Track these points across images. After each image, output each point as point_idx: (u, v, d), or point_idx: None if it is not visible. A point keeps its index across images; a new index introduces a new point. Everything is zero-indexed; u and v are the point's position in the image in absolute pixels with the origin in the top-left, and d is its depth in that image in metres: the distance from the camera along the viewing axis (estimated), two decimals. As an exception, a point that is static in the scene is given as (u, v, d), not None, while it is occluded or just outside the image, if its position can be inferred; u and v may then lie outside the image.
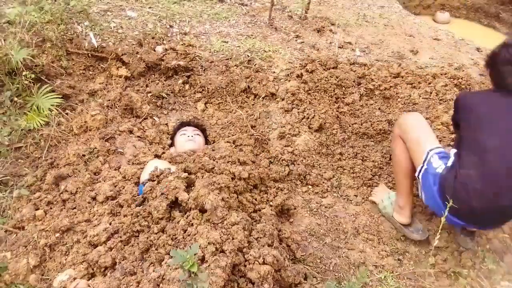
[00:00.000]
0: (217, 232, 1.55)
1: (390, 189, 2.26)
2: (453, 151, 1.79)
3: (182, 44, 2.88)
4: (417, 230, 2.02)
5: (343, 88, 2.79)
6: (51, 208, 1.93)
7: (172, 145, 2.46)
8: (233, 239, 1.55)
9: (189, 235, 1.59)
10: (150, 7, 3.16)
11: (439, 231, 1.62)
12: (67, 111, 2.39)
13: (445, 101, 2.75)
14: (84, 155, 2.16)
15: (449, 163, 1.74)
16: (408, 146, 1.89)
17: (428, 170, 1.77)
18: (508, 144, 1.61)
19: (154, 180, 1.86)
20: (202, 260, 1.46)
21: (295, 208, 2.14)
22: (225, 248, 1.50)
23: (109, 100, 2.48)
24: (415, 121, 1.92)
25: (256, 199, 2.00)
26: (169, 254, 1.54)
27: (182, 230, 1.61)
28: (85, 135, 2.28)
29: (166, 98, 2.69)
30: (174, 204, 1.76)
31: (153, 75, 2.76)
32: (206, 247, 1.48)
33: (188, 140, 2.34)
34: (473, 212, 1.67)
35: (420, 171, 1.82)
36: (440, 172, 1.73)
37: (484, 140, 1.64)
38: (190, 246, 1.49)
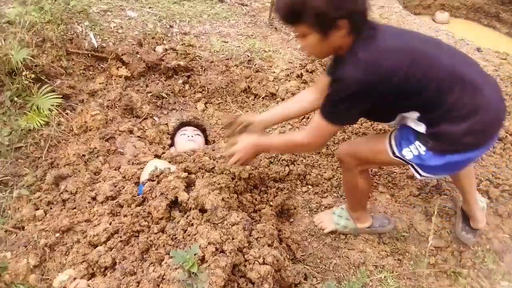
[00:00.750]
0: (217, 232, 1.55)
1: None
2: (412, 121, 1.46)
3: (182, 44, 2.88)
4: (383, 223, 2.00)
5: (343, 88, 2.79)
6: (51, 208, 1.93)
7: (172, 145, 2.46)
8: (233, 239, 1.55)
9: (189, 235, 1.59)
10: (150, 7, 3.16)
11: (432, 231, 1.62)
12: (67, 111, 2.39)
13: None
14: (84, 155, 2.16)
15: (421, 130, 1.43)
16: (379, 164, 1.77)
17: (421, 163, 1.48)
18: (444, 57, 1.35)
19: (154, 180, 1.86)
20: (202, 260, 1.46)
21: (295, 208, 2.14)
22: (225, 248, 1.50)
23: (109, 100, 2.48)
24: (356, 146, 1.70)
25: (256, 199, 2.00)
26: (169, 254, 1.54)
27: (182, 230, 1.61)
28: (85, 135, 2.28)
29: (166, 98, 2.69)
30: (174, 204, 1.76)
31: (153, 75, 2.76)
32: (206, 247, 1.48)
33: (188, 140, 2.34)
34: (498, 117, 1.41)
35: (416, 172, 1.54)
36: (427, 149, 1.43)
37: (433, 84, 1.33)
38: (190, 246, 1.49)
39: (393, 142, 1.54)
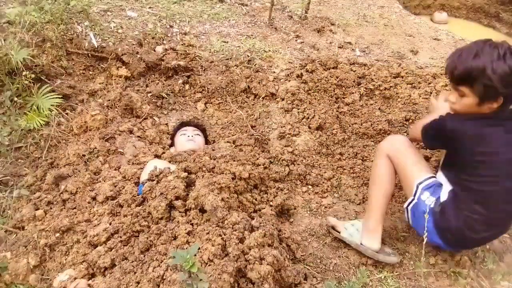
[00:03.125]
0: (217, 232, 1.55)
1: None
2: (446, 186, 1.69)
3: (182, 44, 2.88)
4: (389, 254, 1.87)
5: (343, 88, 2.79)
6: (51, 208, 1.93)
7: (172, 145, 2.46)
8: (233, 239, 1.55)
9: (189, 235, 1.59)
10: (150, 7, 3.16)
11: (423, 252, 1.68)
12: (67, 111, 2.39)
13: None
14: (84, 155, 2.16)
15: (443, 197, 1.67)
16: (398, 172, 1.83)
17: (419, 207, 1.72)
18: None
19: (153, 180, 1.86)
20: (205, 262, 1.46)
21: (295, 208, 2.14)
22: (226, 249, 1.49)
23: (109, 100, 2.48)
24: (406, 146, 1.82)
25: (256, 199, 2.00)
26: (167, 255, 1.54)
27: (182, 230, 1.61)
28: (85, 135, 2.28)
29: (166, 98, 2.69)
30: (175, 203, 1.76)
31: (153, 75, 2.76)
32: (206, 248, 1.48)
33: (188, 140, 2.34)
34: (471, 243, 1.75)
35: (409, 203, 1.77)
36: (433, 207, 1.67)
37: (484, 181, 1.56)
38: (190, 245, 1.49)
39: (427, 181, 1.74)
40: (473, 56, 1.47)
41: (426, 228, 1.62)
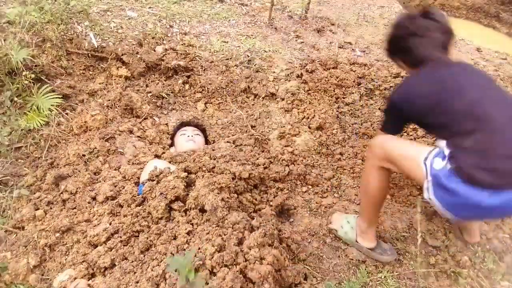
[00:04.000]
0: (217, 232, 1.55)
1: (346, 212, 2.07)
2: (442, 143, 1.47)
3: (182, 44, 2.88)
4: (384, 251, 1.88)
5: (343, 88, 2.79)
6: (51, 208, 1.93)
7: (172, 145, 2.46)
8: (233, 239, 1.54)
9: (189, 235, 1.59)
10: (150, 7, 3.16)
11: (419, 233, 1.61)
12: (67, 111, 2.39)
13: (445, 101, 2.75)
14: (84, 155, 2.16)
15: (446, 152, 1.43)
16: (401, 170, 1.60)
17: (438, 179, 1.40)
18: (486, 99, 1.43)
19: (153, 180, 1.86)
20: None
21: (295, 208, 2.14)
22: (226, 249, 1.49)
23: (109, 100, 2.48)
24: (392, 141, 1.62)
25: (256, 199, 2.00)
26: (168, 255, 1.54)
27: (182, 230, 1.61)
28: (85, 135, 2.28)
29: (166, 98, 2.69)
30: (175, 203, 1.76)
31: (153, 75, 2.76)
32: (206, 249, 1.48)
33: (188, 140, 2.34)
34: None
35: (427, 190, 1.46)
36: (448, 168, 1.37)
37: (460, 113, 1.42)
38: (190, 245, 1.49)
39: (433, 151, 1.48)
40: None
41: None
